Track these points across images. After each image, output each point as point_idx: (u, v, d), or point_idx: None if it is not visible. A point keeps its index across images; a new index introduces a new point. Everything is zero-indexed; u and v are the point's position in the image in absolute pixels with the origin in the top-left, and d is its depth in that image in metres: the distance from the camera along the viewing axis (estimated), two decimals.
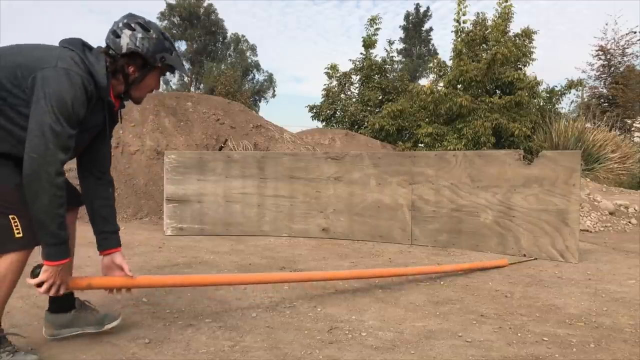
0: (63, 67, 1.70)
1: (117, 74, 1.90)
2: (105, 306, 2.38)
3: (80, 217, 2.26)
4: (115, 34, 1.86)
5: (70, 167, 2.03)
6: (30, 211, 1.68)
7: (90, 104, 1.80)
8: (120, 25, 1.87)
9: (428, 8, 44.15)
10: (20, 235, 1.74)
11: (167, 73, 2.10)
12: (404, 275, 3.17)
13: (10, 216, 1.74)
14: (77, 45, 1.83)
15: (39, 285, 1.76)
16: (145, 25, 1.89)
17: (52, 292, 1.77)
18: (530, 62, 13.75)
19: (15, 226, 1.74)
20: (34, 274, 1.77)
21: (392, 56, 17.53)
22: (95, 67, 1.80)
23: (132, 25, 1.86)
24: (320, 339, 2.17)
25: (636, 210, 6.31)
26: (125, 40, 1.84)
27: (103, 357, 1.94)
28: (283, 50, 66.07)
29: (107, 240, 2.05)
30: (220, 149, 7.11)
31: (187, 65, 35.99)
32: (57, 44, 1.86)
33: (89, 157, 2.04)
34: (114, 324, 2.13)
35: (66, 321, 2.07)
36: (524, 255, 3.95)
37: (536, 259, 3.85)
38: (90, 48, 1.87)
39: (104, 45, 1.89)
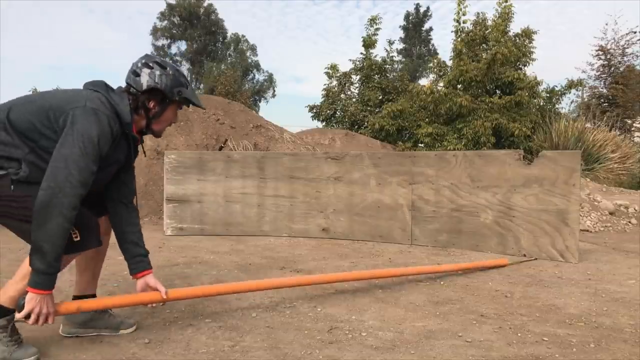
0: (92, 107, 1.84)
1: (139, 110, 2.06)
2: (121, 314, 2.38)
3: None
4: (135, 73, 2.03)
5: None
6: (32, 236, 1.72)
7: (114, 142, 1.94)
8: (139, 65, 2.04)
9: (428, 8, 44.16)
10: (78, 239, 1.88)
11: (184, 106, 2.23)
12: (404, 275, 3.16)
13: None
14: (102, 87, 2.00)
15: (27, 317, 1.75)
16: (162, 64, 2.07)
17: (40, 322, 1.77)
18: (530, 62, 13.76)
19: (74, 232, 1.86)
20: (19, 305, 1.75)
21: (392, 56, 17.54)
22: (120, 106, 1.96)
23: (150, 64, 2.04)
24: (320, 339, 2.17)
25: (636, 210, 6.31)
26: (145, 78, 2.02)
27: (103, 357, 1.94)
28: (283, 50, 66.08)
29: (140, 263, 2.14)
30: (220, 149, 7.11)
31: (187, 65, 36.04)
32: (81, 87, 2.03)
33: (115, 186, 2.16)
34: (129, 330, 2.19)
35: (86, 320, 2.14)
36: (524, 255, 3.95)
37: (536, 259, 3.85)
38: (112, 89, 2.04)
39: (123, 83, 2.06)
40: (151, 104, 2.06)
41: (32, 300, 1.72)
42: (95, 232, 1.98)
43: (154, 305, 2.14)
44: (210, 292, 2.38)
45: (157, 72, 2.02)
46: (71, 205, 1.73)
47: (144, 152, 2.26)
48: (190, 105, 2.20)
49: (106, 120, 1.86)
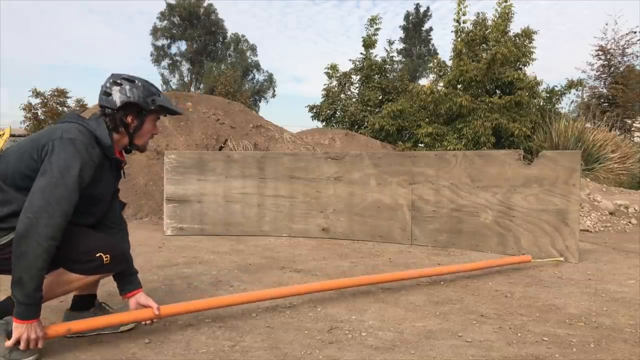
0: (68, 137, 1.86)
1: (118, 128, 2.08)
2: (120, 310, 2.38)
3: None
4: (106, 94, 2.06)
5: None
6: (13, 267, 1.73)
7: (97, 169, 1.95)
8: (108, 85, 2.07)
9: (428, 8, 44.14)
10: (108, 262, 1.97)
11: (161, 116, 2.28)
12: (421, 277, 3.12)
13: (97, 255, 1.95)
14: (75, 117, 2.04)
15: (17, 342, 1.77)
16: (130, 78, 2.10)
17: (32, 345, 1.79)
18: (530, 62, 13.76)
19: (105, 256, 1.96)
20: (8, 332, 1.76)
21: (392, 56, 17.55)
22: (98, 131, 1.98)
23: (119, 81, 2.07)
24: (320, 339, 2.17)
25: (636, 210, 6.31)
26: (116, 95, 2.05)
27: (103, 357, 1.94)
28: (283, 50, 66.11)
29: (130, 283, 2.17)
30: (220, 149, 7.11)
31: (187, 65, 36.04)
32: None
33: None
34: (129, 326, 2.20)
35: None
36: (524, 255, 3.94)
37: (564, 259, 3.78)
38: (85, 118, 2.07)
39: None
40: (129, 119, 2.09)
41: (18, 329, 1.75)
42: (123, 255, 2.09)
43: (147, 323, 2.15)
44: (202, 306, 2.34)
45: (127, 87, 2.05)
46: (48, 235, 1.73)
47: (124, 174, 2.26)
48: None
49: (84, 147, 1.87)
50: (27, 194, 1.79)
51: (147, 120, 2.14)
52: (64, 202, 1.78)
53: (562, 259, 3.77)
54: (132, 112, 2.08)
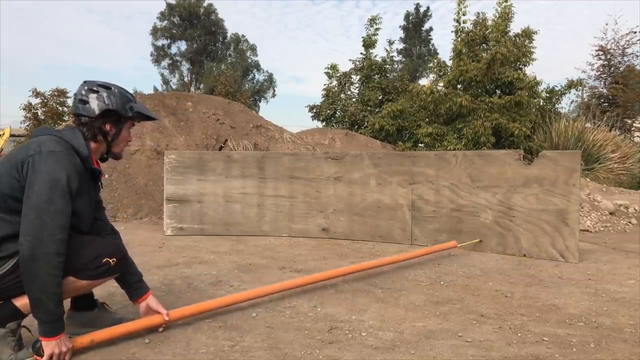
0: (48, 150, 1.81)
1: (96, 137, 2.03)
2: (120, 310, 2.38)
3: None
4: (82, 102, 2.00)
5: None
6: (27, 291, 1.74)
7: (80, 177, 1.91)
8: (84, 92, 2.01)
9: (428, 8, 44.07)
10: (115, 265, 2.00)
11: (137, 122, 2.24)
12: (359, 271, 3.18)
13: (104, 260, 1.97)
14: (49, 130, 1.98)
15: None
16: (106, 85, 2.05)
17: (63, 359, 1.82)
18: (530, 62, 13.75)
19: (112, 260, 1.99)
20: (35, 349, 1.78)
21: (392, 56, 17.55)
22: (74, 141, 1.93)
23: (95, 88, 2.02)
24: (320, 339, 2.17)
25: (636, 210, 6.31)
26: (94, 103, 1.99)
27: (103, 357, 1.94)
28: (283, 50, 66.09)
29: (138, 289, 2.20)
30: (220, 149, 7.11)
31: (187, 65, 36.03)
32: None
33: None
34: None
35: (88, 320, 2.19)
36: (524, 255, 3.95)
37: (482, 241, 3.80)
38: (57, 130, 2.02)
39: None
40: (107, 127, 2.05)
41: (48, 347, 1.77)
42: (126, 256, 2.10)
43: (160, 329, 2.18)
44: (208, 307, 2.40)
45: (105, 94, 2.01)
46: (55, 252, 1.73)
47: (101, 185, 2.22)
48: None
49: (65, 157, 1.83)
50: (16, 216, 1.77)
51: (124, 127, 2.12)
52: (61, 216, 1.77)
53: (478, 240, 3.94)
54: (111, 120, 2.05)
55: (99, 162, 2.13)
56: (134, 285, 2.19)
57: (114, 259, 1.99)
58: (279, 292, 2.74)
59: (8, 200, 1.79)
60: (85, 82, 2.05)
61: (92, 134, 2.01)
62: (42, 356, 1.76)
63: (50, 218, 1.74)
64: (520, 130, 12.07)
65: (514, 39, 13.53)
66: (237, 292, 2.90)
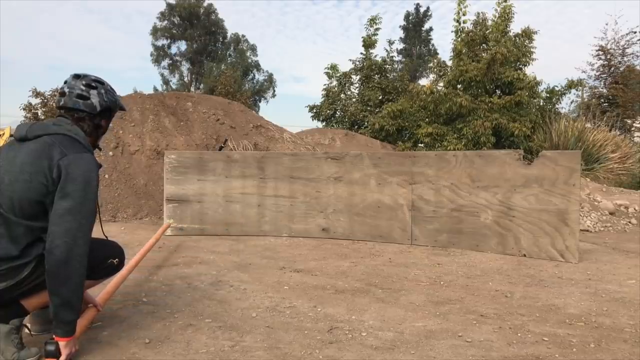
0: (75, 153, 1.83)
1: (92, 132, 2.04)
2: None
3: None
4: (83, 97, 1.98)
5: None
6: (55, 292, 1.74)
7: None
8: (82, 87, 1.99)
9: (428, 8, 44.06)
10: (118, 264, 2.13)
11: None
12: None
13: (110, 261, 2.10)
14: (54, 127, 1.91)
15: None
16: (100, 80, 2.07)
17: (71, 356, 1.84)
18: (530, 62, 13.75)
19: (115, 260, 2.11)
20: (50, 352, 1.76)
21: (392, 56, 17.54)
22: (84, 140, 1.94)
23: (93, 84, 2.02)
24: (320, 339, 2.17)
25: (636, 210, 6.31)
26: (95, 99, 2.00)
27: (103, 357, 1.94)
28: (283, 50, 66.04)
29: None
30: (220, 149, 7.11)
31: (187, 65, 36.03)
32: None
33: None
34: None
35: (48, 317, 2.13)
36: (524, 255, 3.95)
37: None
38: (58, 126, 1.95)
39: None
40: (104, 122, 2.09)
41: (67, 346, 1.78)
42: (124, 255, 2.21)
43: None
44: (123, 277, 2.55)
45: (102, 91, 2.03)
46: (85, 252, 1.79)
47: None
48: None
49: (92, 158, 1.88)
50: (37, 221, 1.79)
51: (110, 121, 2.17)
52: (92, 217, 1.84)
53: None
54: (106, 116, 2.08)
55: None
56: None
57: (117, 259, 2.09)
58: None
59: (33, 204, 1.79)
60: (77, 75, 2.02)
61: (91, 129, 2.03)
62: (58, 357, 1.77)
63: (85, 220, 1.79)
64: (520, 130, 12.06)
65: (514, 39, 13.52)
66: (237, 292, 2.90)
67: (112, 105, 2.08)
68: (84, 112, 1.99)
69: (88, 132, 2.01)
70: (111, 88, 2.11)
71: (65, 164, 1.79)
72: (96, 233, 2.01)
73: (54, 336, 1.78)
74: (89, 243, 1.81)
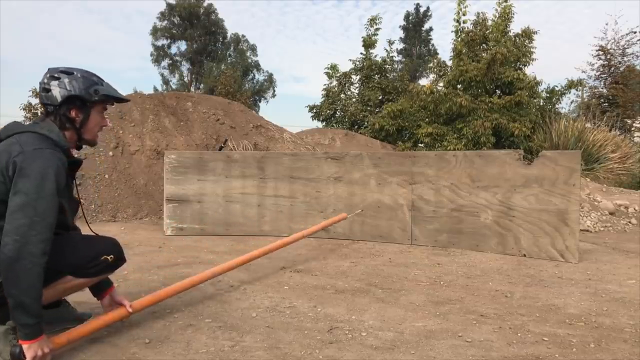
0: (32, 149, 1.77)
1: (65, 125, 1.97)
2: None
3: None
4: (45, 90, 1.94)
5: None
6: (8, 294, 1.68)
7: (66, 172, 1.86)
8: (46, 80, 1.95)
9: (428, 8, 44.11)
10: (113, 261, 2.05)
11: (108, 105, 2.16)
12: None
13: (102, 258, 2.02)
14: (24, 126, 1.92)
15: None
16: (68, 71, 1.98)
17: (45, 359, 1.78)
18: (530, 62, 13.75)
19: (110, 257, 2.04)
20: (16, 355, 1.72)
21: (392, 56, 17.54)
22: (52, 134, 1.88)
23: (56, 75, 1.95)
24: (320, 339, 2.17)
25: (636, 210, 6.31)
26: (56, 90, 1.93)
27: (103, 357, 1.94)
28: (283, 50, 66.06)
29: (100, 283, 2.16)
30: (220, 149, 7.11)
31: (187, 65, 36.01)
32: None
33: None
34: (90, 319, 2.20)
35: (53, 317, 2.16)
36: (524, 255, 3.95)
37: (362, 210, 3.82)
38: (28, 124, 1.95)
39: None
40: (73, 113, 1.97)
41: (31, 350, 1.71)
42: (122, 252, 2.12)
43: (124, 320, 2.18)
44: (168, 293, 2.42)
45: (66, 80, 1.94)
46: (41, 252, 1.69)
47: (77, 188, 2.13)
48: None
49: (51, 154, 1.80)
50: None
51: (93, 112, 2.03)
52: (48, 215, 1.73)
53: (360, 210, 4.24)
54: (75, 106, 1.96)
55: (75, 149, 2.09)
56: (96, 284, 2.15)
57: (112, 256, 2.02)
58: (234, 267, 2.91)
59: (0, 205, 1.75)
60: (48, 69, 1.99)
61: (61, 122, 1.95)
62: None
63: (39, 217, 1.70)
64: (520, 130, 12.06)
65: (514, 39, 13.52)
66: (237, 292, 2.90)
67: (81, 94, 1.95)
68: (48, 104, 1.94)
69: (60, 126, 1.94)
70: (86, 77, 1.99)
71: (20, 160, 1.73)
72: (99, 232, 2.01)
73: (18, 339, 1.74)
74: (49, 242, 1.72)
